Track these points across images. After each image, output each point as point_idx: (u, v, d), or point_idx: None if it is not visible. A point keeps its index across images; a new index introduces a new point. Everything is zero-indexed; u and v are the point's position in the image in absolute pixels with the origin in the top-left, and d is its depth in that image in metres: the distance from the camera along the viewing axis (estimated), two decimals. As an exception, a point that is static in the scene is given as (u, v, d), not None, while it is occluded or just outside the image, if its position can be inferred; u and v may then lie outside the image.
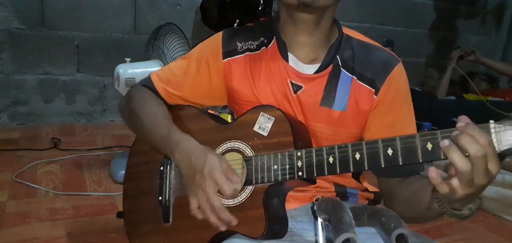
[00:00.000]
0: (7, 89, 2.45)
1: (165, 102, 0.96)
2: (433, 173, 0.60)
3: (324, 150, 0.72)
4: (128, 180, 0.98)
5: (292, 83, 0.87)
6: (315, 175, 0.73)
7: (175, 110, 0.94)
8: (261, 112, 0.81)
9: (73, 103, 2.65)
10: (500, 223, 1.91)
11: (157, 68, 1.26)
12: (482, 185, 0.59)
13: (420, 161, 0.63)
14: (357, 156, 0.68)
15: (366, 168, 0.68)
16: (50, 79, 2.55)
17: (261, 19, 0.97)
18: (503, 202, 1.94)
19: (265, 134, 0.80)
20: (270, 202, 0.78)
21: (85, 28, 2.56)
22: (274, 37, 0.90)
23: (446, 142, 0.59)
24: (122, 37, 2.68)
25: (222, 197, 0.78)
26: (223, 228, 0.78)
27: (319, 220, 0.74)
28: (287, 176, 0.75)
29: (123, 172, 1.01)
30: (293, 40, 0.88)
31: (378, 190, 0.96)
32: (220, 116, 0.98)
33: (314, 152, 0.73)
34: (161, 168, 0.89)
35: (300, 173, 0.74)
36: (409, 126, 0.88)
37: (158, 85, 0.96)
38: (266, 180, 0.77)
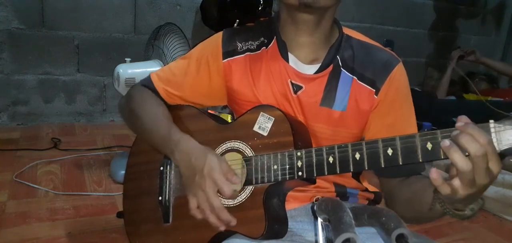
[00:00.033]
0: (7, 89, 2.45)
1: (165, 102, 0.96)
2: (434, 174, 0.60)
3: (324, 150, 0.72)
4: (128, 180, 0.98)
5: (292, 84, 0.87)
6: (315, 175, 0.73)
7: (175, 110, 0.94)
8: (261, 112, 0.81)
9: (73, 103, 2.65)
10: (500, 223, 1.91)
11: (157, 68, 1.26)
12: (483, 184, 0.59)
13: (420, 160, 0.63)
14: (357, 155, 0.68)
15: (366, 168, 0.68)
16: (50, 79, 2.55)
17: (261, 19, 0.97)
18: (503, 202, 1.94)
19: (265, 134, 0.80)
20: (270, 202, 0.77)
21: (85, 28, 2.56)
22: (274, 37, 0.90)
23: (446, 142, 0.59)
24: (122, 37, 2.68)
25: (222, 197, 0.78)
26: (222, 228, 0.77)
27: (319, 220, 0.74)
28: (287, 176, 0.75)
29: (123, 172, 1.01)
30: (293, 40, 0.88)
31: (378, 190, 0.96)
32: (220, 116, 0.98)
33: (314, 152, 0.73)
34: (161, 168, 0.89)
35: (300, 173, 0.74)
36: (410, 126, 0.88)
37: (158, 85, 0.96)
38: (266, 180, 0.77)
